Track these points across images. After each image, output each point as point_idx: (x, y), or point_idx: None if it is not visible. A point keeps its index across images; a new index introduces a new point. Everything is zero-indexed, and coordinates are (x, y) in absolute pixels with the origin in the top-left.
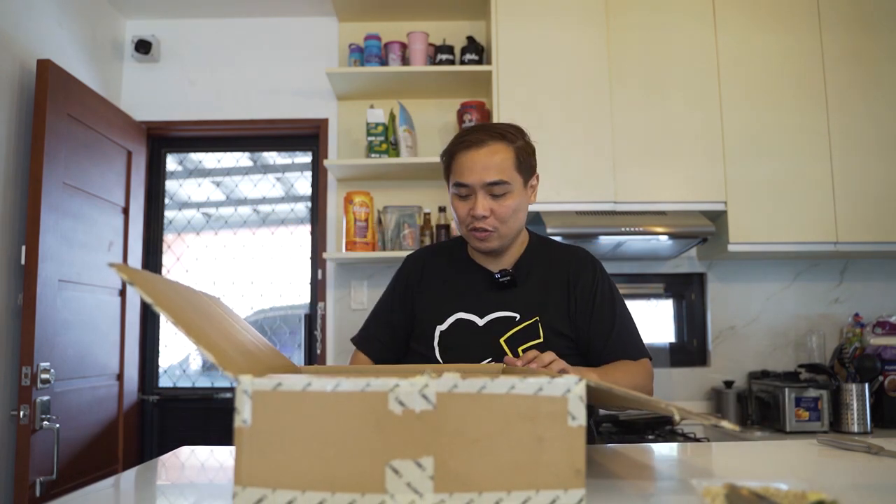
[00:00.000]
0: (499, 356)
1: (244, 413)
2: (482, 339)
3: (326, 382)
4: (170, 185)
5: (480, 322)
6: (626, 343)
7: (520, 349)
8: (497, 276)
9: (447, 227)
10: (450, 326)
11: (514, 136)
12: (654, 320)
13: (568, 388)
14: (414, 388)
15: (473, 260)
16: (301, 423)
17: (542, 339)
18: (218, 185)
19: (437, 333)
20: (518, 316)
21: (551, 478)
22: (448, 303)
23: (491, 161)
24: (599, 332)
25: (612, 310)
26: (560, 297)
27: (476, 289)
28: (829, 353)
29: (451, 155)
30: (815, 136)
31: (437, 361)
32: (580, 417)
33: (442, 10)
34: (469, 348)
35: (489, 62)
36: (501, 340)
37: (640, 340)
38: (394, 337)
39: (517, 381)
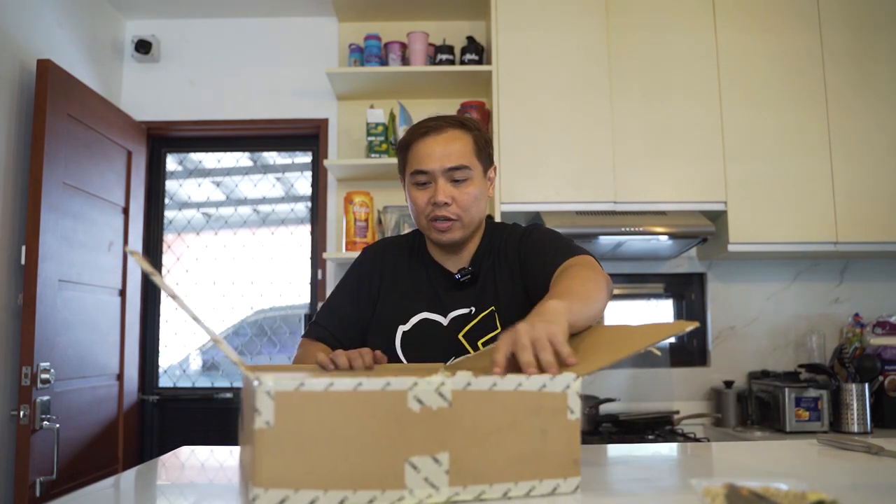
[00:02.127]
0: (461, 353)
1: (266, 414)
2: (446, 337)
3: (348, 382)
4: (170, 185)
5: (445, 321)
6: (562, 250)
7: (479, 342)
8: (457, 276)
9: None
10: (413, 327)
11: (471, 124)
12: (654, 320)
13: (567, 384)
14: (431, 387)
15: (433, 257)
16: (322, 423)
17: (499, 329)
18: (218, 185)
19: (399, 333)
20: (473, 309)
21: (553, 468)
22: (411, 302)
23: (451, 147)
24: (543, 261)
25: (545, 238)
26: (511, 274)
27: (437, 288)
28: (829, 353)
29: (407, 145)
30: (815, 136)
31: (399, 361)
32: (577, 411)
33: (442, 10)
34: (432, 348)
35: (489, 62)
36: (460, 336)
37: (572, 243)
38: (345, 333)
39: (523, 378)
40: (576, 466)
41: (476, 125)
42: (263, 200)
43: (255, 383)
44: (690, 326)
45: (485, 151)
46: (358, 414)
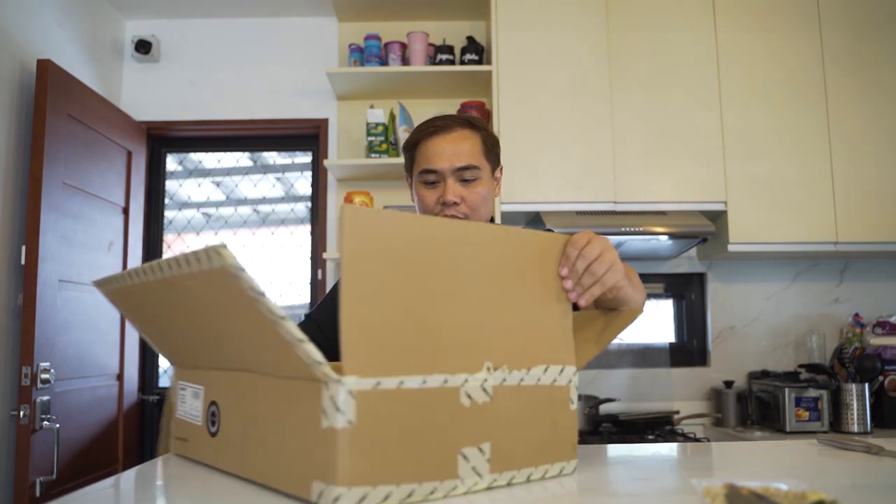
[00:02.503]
0: None
1: (349, 413)
2: None
3: (415, 380)
4: (170, 185)
5: None
6: None
7: None
8: None
9: None
10: None
11: (479, 124)
12: (654, 320)
13: (569, 378)
14: (477, 383)
15: None
16: (394, 419)
17: None
18: (218, 185)
19: None
20: None
21: (559, 453)
22: None
23: (461, 146)
24: None
25: None
26: None
27: None
28: (829, 353)
29: (415, 144)
30: (815, 136)
31: None
32: (575, 402)
33: (442, 10)
34: None
35: (489, 62)
36: None
37: None
38: (334, 329)
39: (541, 373)
40: (574, 451)
41: (484, 125)
42: (263, 200)
43: (337, 383)
44: (640, 313)
45: (493, 151)
46: (422, 409)
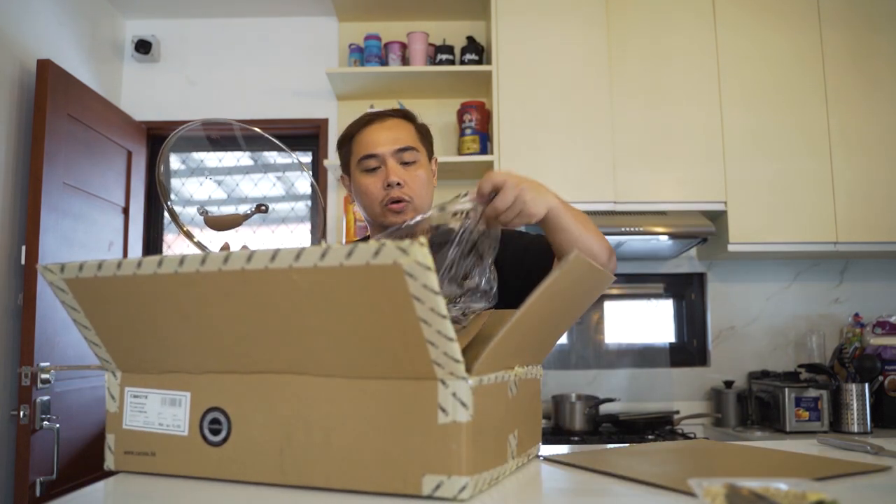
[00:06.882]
0: None
1: (471, 408)
2: None
3: (494, 375)
4: (171, 184)
5: None
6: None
7: None
8: None
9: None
10: None
11: (411, 116)
12: (654, 320)
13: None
14: (516, 378)
15: None
16: (488, 412)
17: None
18: (219, 184)
19: None
20: None
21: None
22: None
23: (397, 131)
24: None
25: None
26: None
27: None
28: (829, 353)
29: (351, 136)
30: (815, 136)
31: None
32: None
33: (442, 10)
34: None
35: (489, 62)
36: None
37: None
38: None
39: (537, 371)
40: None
41: (415, 117)
42: (264, 199)
43: (463, 380)
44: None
45: (427, 139)
46: (497, 401)
